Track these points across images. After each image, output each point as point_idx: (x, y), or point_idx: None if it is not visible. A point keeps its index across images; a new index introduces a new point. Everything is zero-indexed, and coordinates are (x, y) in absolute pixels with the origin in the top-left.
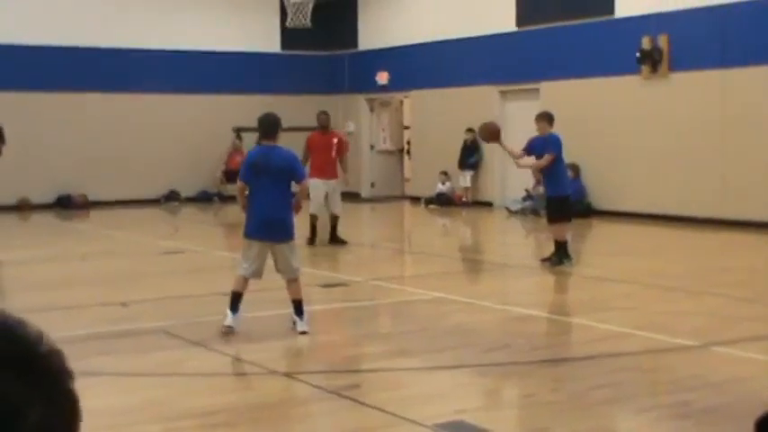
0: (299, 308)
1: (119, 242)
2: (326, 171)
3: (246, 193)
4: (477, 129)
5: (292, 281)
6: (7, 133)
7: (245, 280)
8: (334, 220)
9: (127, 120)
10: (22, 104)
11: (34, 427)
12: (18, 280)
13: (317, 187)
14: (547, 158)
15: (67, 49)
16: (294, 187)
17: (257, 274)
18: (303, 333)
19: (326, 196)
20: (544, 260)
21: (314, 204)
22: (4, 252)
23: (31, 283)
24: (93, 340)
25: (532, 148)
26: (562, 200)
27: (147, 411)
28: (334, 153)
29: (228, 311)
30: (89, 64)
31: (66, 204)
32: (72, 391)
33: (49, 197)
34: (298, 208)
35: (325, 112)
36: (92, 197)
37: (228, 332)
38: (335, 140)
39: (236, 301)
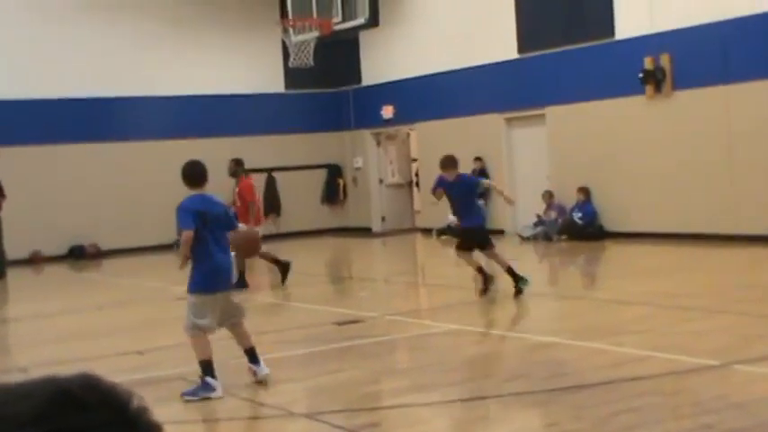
0: (254, 355)
1: (133, 290)
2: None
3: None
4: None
5: (241, 324)
6: (16, 187)
7: (208, 339)
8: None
9: (135, 167)
10: (30, 158)
11: None
12: (34, 334)
13: None
14: (496, 186)
15: (73, 100)
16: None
17: (215, 327)
18: (264, 377)
19: None
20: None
21: None
22: (19, 306)
23: (47, 337)
24: None
25: (449, 188)
26: (481, 229)
27: None
28: (238, 202)
29: (211, 380)
30: (95, 114)
31: (78, 255)
32: None
33: (62, 249)
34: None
35: (232, 160)
36: (104, 246)
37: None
38: (237, 190)
39: (211, 367)
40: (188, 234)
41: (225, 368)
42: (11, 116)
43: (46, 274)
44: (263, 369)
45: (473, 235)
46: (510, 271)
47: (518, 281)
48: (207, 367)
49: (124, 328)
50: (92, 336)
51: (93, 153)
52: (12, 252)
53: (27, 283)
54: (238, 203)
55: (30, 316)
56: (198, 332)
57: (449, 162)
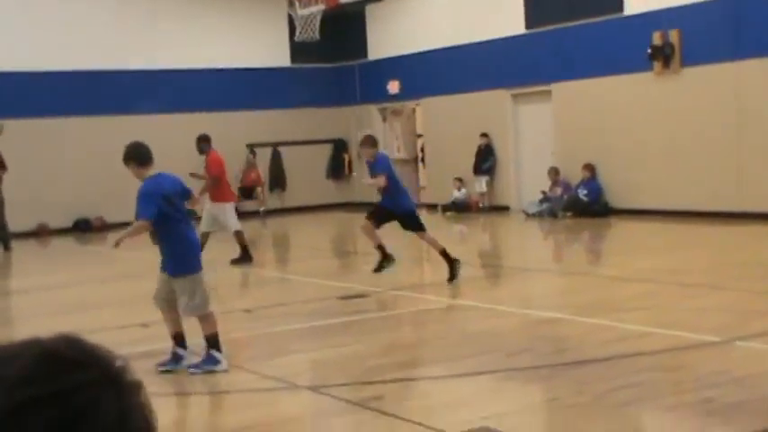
0: (184, 339)
1: (137, 263)
2: (209, 194)
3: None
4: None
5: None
6: (23, 160)
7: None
8: (237, 237)
9: (141, 140)
10: (36, 130)
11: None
12: (38, 306)
13: (204, 209)
14: (380, 179)
15: (79, 73)
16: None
17: None
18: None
19: (216, 218)
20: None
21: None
22: (24, 278)
23: (51, 309)
24: None
25: (370, 168)
26: (408, 215)
27: (171, 431)
28: (207, 177)
29: (216, 353)
30: (101, 87)
31: (84, 228)
32: (148, 400)
33: (67, 221)
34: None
35: (198, 137)
36: (109, 219)
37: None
38: (205, 165)
39: (218, 341)
40: (147, 224)
41: (228, 341)
42: (17, 88)
43: (52, 247)
44: (190, 358)
45: (378, 211)
46: (381, 248)
47: (384, 260)
48: (215, 341)
49: (128, 301)
50: (96, 308)
51: (99, 126)
52: (18, 225)
53: (32, 255)
54: (208, 180)
55: (34, 288)
56: (211, 306)
57: (364, 141)
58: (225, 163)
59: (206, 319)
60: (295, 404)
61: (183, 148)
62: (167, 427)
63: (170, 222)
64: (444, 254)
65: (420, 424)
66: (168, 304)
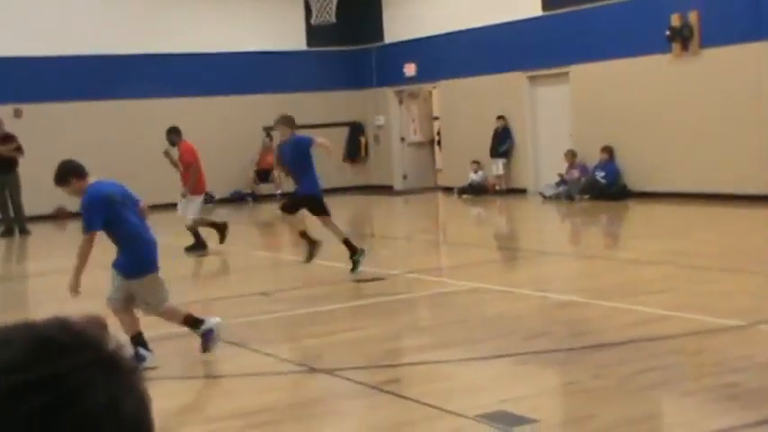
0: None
1: None
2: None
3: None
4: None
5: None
6: (41, 143)
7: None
8: (214, 226)
9: (157, 124)
10: (53, 115)
11: (131, 417)
12: (54, 289)
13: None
14: (325, 144)
15: (95, 57)
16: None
17: None
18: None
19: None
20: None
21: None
22: (41, 262)
23: (67, 293)
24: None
25: (284, 155)
26: (317, 198)
27: (190, 414)
28: (182, 168)
29: (204, 326)
30: (117, 71)
31: None
32: (145, 386)
33: None
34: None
35: (167, 130)
36: None
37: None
38: (179, 156)
39: (195, 317)
40: (90, 239)
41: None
42: (34, 73)
43: (69, 230)
44: (150, 358)
45: (308, 203)
46: (347, 242)
47: (354, 253)
48: (193, 320)
49: None
50: None
51: (115, 110)
52: (37, 208)
53: (50, 238)
54: (182, 169)
55: (51, 271)
56: (169, 302)
57: (282, 121)
58: (198, 153)
59: (169, 314)
60: (312, 387)
61: (199, 132)
62: (185, 411)
63: (121, 224)
64: (347, 243)
65: (437, 407)
66: (124, 305)
